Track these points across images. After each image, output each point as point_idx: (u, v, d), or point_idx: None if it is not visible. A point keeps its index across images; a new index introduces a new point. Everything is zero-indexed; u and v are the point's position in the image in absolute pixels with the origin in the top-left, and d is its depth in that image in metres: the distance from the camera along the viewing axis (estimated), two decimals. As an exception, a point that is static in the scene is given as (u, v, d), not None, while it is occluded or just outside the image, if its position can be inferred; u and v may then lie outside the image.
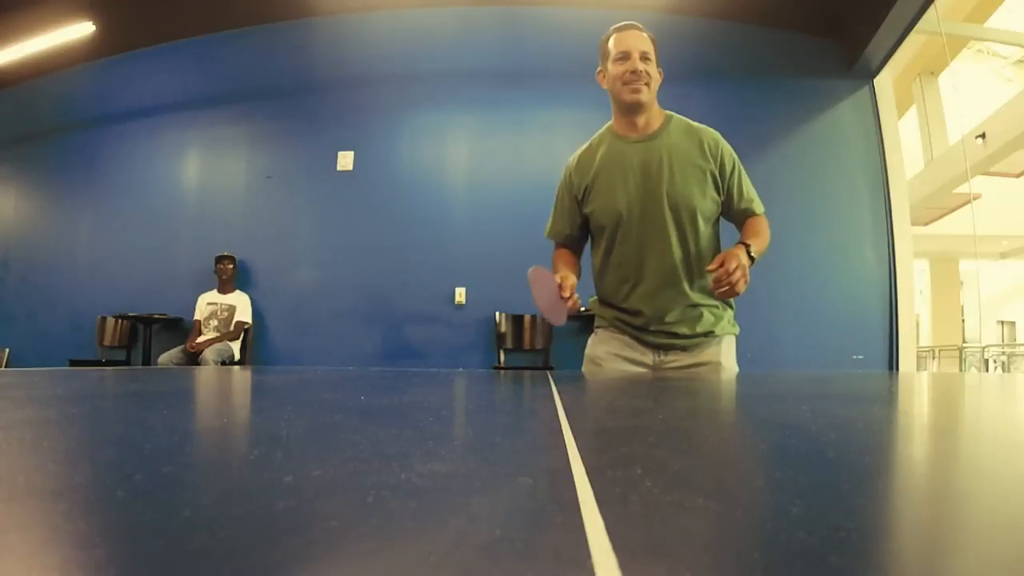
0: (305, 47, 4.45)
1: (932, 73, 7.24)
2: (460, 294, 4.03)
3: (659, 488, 0.25)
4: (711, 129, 1.47)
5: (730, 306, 1.50)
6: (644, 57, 1.38)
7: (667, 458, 0.35)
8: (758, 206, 1.47)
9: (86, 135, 4.68)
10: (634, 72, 1.37)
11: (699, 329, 1.42)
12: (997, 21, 6.70)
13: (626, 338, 1.47)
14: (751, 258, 1.30)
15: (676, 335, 1.42)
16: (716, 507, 0.23)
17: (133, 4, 4.32)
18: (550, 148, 4.11)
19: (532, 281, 1.26)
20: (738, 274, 1.22)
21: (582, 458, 0.32)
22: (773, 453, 0.37)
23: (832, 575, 0.16)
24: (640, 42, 1.39)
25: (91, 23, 4.34)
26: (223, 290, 4.04)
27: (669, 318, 1.41)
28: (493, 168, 4.19)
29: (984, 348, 8.04)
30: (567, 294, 1.26)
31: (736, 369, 1.50)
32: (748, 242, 1.34)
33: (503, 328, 3.93)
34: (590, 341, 1.55)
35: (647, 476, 0.27)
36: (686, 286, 1.41)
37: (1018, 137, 6.18)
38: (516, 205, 4.03)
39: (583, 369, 1.53)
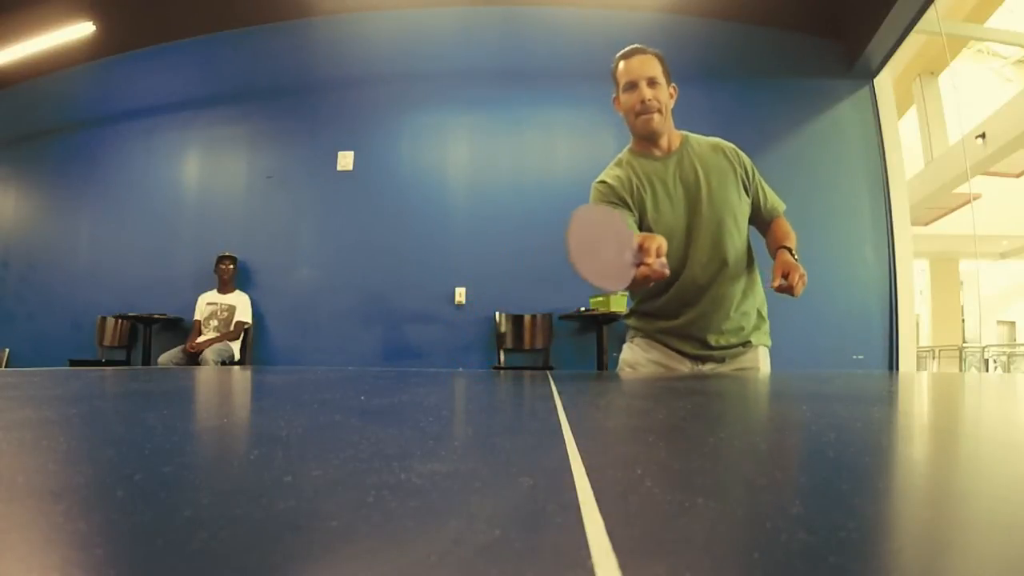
0: (305, 47, 4.45)
1: (932, 73, 7.24)
2: (460, 294, 4.03)
3: (659, 488, 0.25)
4: (726, 141, 1.51)
5: (764, 319, 1.51)
6: (651, 83, 1.38)
7: (667, 458, 0.35)
8: (781, 205, 1.53)
9: (86, 135, 4.68)
10: (643, 102, 1.38)
11: (735, 340, 1.44)
12: (997, 21, 6.70)
13: (664, 348, 1.48)
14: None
15: (714, 347, 1.43)
16: (716, 507, 0.23)
17: (133, 4, 4.32)
18: (550, 148, 4.12)
19: (577, 224, 0.96)
20: (800, 283, 1.27)
21: (582, 458, 0.32)
22: (773, 453, 0.37)
23: (832, 575, 0.16)
24: (646, 68, 1.38)
25: (91, 23, 4.35)
26: (223, 290, 4.04)
27: (718, 327, 1.42)
28: (493, 168, 4.19)
29: (984, 348, 8.04)
30: (651, 259, 1.04)
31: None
32: (788, 245, 1.40)
33: (503, 328, 3.93)
34: (627, 348, 1.55)
35: (647, 476, 0.27)
36: (731, 296, 1.43)
37: (1018, 137, 6.18)
38: (516, 205, 4.03)
39: (619, 373, 1.52)
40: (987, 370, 7.54)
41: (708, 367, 1.44)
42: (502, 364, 3.89)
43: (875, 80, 4.10)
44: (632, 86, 1.39)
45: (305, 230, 4.29)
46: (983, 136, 6.42)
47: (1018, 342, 10.68)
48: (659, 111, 1.39)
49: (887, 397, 0.87)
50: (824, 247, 3.96)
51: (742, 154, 1.49)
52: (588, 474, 0.28)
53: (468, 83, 4.28)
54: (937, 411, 0.73)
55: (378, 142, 4.27)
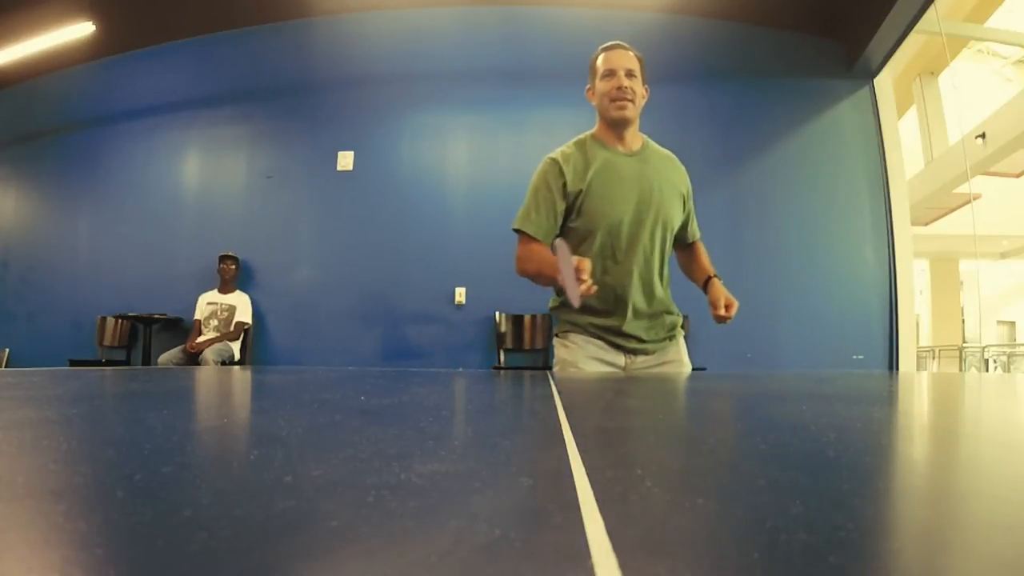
0: (305, 47, 4.45)
1: (932, 73, 7.24)
2: (460, 294, 4.03)
3: (659, 488, 0.25)
4: (675, 156, 1.62)
5: (679, 314, 1.64)
6: (630, 74, 1.45)
7: (667, 458, 0.35)
8: (699, 231, 1.70)
9: (86, 135, 4.68)
10: (620, 88, 1.44)
11: (662, 334, 1.55)
12: (997, 21, 6.70)
13: (600, 342, 1.52)
14: None
15: (646, 340, 1.53)
16: (716, 507, 0.23)
17: (133, 4, 4.32)
18: (550, 148, 4.08)
19: (560, 253, 1.22)
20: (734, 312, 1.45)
21: (582, 458, 0.32)
22: (773, 453, 0.37)
23: (832, 575, 0.16)
24: (626, 60, 1.46)
25: (91, 23, 4.34)
26: (224, 290, 4.04)
27: (644, 324, 1.53)
28: (493, 168, 4.19)
29: (984, 348, 8.04)
30: (586, 276, 1.23)
31: (690, 364, 1.62)
32: (717, 274, 1.55)
33: (503, 328, 3.94)
34: (560, 346, 1.57)
35: (647, 476, 0.27)
36: (660, 295, 1.53)
37: (1018, 137, 6.18)
38: (516, 205, 3.99)
39: (557, 373, 1.55)
40: (987, 370, 7.54)
41: (639, 359, 1.54)
42: (502, 364, 3.89)
43: (875, 80, 4.09)
44: (611, 73, 1.45)
45: (305, 230, 4.29)
46: (983, 136, 6.42)
47: (1018, 342, 10.68)
48: (632, 101, 1.45)
49: (887, 397, 0.87)
50: (824, 247, 3.96)
51: (687, 176, 1.61)
52: (588, 474, 0.28)
53: (468, 83, 4.28)
54: (937, 411, 0.74)
55: (378, 142, 4.27)
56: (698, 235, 1.69)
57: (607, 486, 0.26)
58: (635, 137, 1.53)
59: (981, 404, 0.80)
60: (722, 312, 1.43)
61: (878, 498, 0.27)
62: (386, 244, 4.13)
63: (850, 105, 4.10)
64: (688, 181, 1.60)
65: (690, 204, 1.62)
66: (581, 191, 1.46)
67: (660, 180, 1.50)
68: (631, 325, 1.50)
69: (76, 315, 4.43)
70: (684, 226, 1.62)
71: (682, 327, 1.64)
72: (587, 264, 1.25)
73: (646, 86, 1.52)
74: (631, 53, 1.48)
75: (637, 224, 1.47)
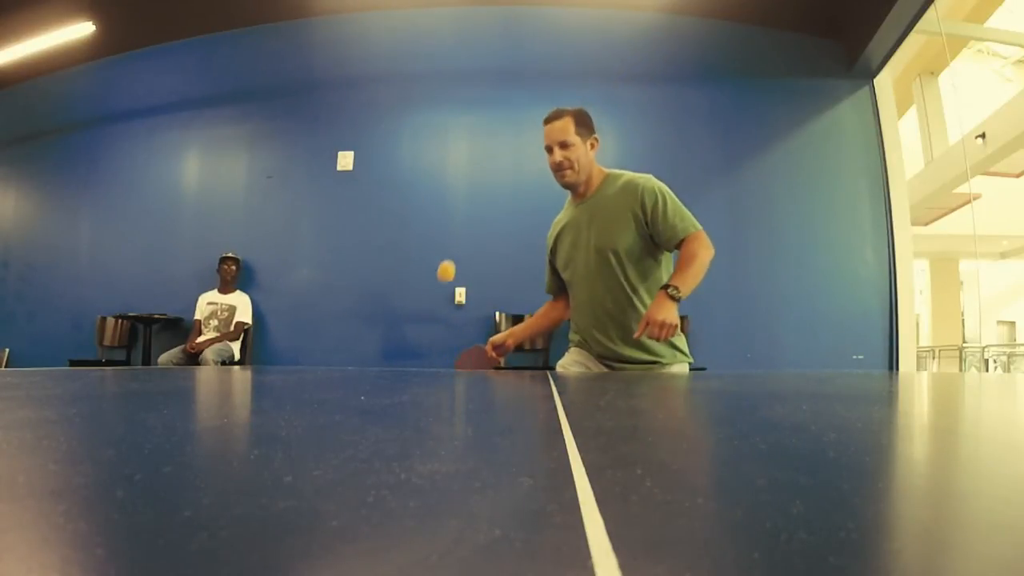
0: (305, 47, 4.45)
1: (932, 73, 7.24)
2: (460, 294, 4.03)
3: (659, 488, 0.25)
4: (641, 177, 1.60)
5: (671, 343, 1.60)
6: (563, 145, 1.60)
7: (667, 458, 0.35)
8: (684, 229, 1.54)
9: (86, 135, 4.68)
10: (555, 164, 1.62)
11: (641, 356, 1.59)
12: (997, 21, 6.70)
13: (590, 355, 1.69)
14: (674, 299, 1.41)
15: (623, 359, 1.61)
16: (716, 507, 0.23)
17: (133, 4, 4.32)
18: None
19: (459, 365, 1.77)
20: (662, 332, 1.37)
21: (582, 458, 0.32)
22: (773, 453, 0.37)
23: (832, 575, 0.16)
24: (558, 133, 1.60)
25: (91, 23, 4.34)
26: (224, 290, 4.04)
27: (612, 344, 1.61)
28: (493, 168, 4.19)
29: (984, 348, 8.04)
30: (492, 354, 1.76)
31: None
32: (673, 283, 1.43)
33: (503, 328, 3.93)
34: (565, 354, 1.79)
35: (647, 476, 0.27)
36: (627, 319, 1.59)
37: (1018, 137, 6.18)
38: (516, 205, 4.02)
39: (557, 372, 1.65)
40: (987, 370, 7.53)
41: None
42: (502, 364, 3.88)
43: (875, 80, 4.09)
44: (548, 150, 1.63)
45: (305, 230, 4.29)
46: (983, 136, 6.42)
47: (1018, 342, 10.68)
48: (571, 168, 1.61)
49: (887, 397, 0.87)
50: (824, 247, 3.96)
51: (646, 190, 1.55)
52: (588, 474, 0.28)
53: (468, 83, 4.27)
54: (937, 411, 0.74)
55: (378, 142, 4.27)
56: (683, 235, 1.53)
57: (607, 486, 0.26)
58: (593, 182, 1.65)
59: (981, 404, 0.80)
60: (636, 334, 1.41)
61: (878, 498, 0.27)
62: (386, 244, 4.13)
63: (850, 105, 4.10)
64: (642, 197, 1.53)
65: (656, 214, 1.53)
66: (552, 248, 1.78)
67: (601, 212, 1.60)
68: (608, 350, 1.62)
69: (76, 315, 4.43)
70: (657, 234, 1.54)
71: (685, 354, 1.62)
72: (490, 345, 1.78)
73: (594, 136, 1.63)
74: (564, 120, 1.59)
75: (584, 262, 1.63)
